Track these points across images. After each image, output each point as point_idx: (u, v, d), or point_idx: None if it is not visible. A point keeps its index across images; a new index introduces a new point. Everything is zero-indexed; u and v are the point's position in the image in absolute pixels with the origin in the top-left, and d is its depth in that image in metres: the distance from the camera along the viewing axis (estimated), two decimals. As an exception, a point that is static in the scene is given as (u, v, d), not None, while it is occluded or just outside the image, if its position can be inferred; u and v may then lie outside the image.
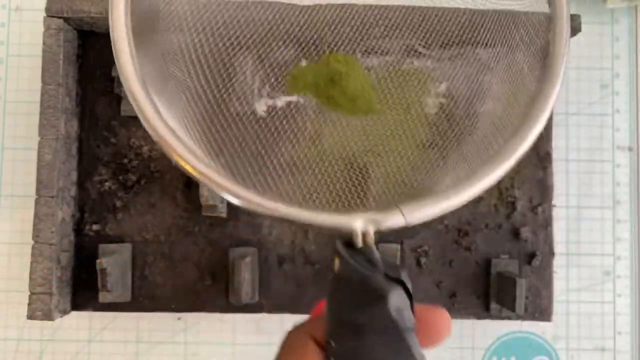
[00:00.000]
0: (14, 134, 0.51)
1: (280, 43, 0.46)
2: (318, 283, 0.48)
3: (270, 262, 0.48)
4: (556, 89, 0.34)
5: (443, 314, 0.29)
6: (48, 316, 0.43)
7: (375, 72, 0.43)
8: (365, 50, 0.47)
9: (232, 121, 0.38)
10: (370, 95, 0.41)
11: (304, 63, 0.43)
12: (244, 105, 0.43)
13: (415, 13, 0.44)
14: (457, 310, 0.48)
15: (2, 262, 0.50)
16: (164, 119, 0.30)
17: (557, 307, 0.49)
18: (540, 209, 0.49)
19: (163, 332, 0.50)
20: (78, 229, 0.48)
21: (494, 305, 0.48)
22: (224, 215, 0.47)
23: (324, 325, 0.28)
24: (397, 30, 0.46)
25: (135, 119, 0.48)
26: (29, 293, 0.44)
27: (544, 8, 0.35)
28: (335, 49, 0.45)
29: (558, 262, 0.50)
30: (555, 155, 0.49)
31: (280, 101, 0.44)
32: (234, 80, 0.42)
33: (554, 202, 0.49)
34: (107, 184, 0.48)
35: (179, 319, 0.50)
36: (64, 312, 0.46)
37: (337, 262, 0.28)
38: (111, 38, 0.31)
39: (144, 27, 0.33)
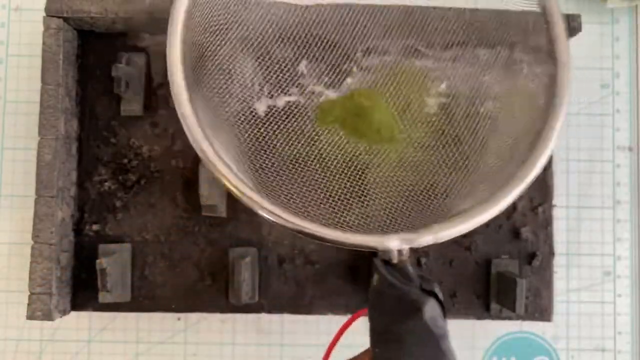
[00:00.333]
0: (14, 134, 0.51)
1: (281, 43, 0.46)
2: (318, 283, 0.48)
3: (270, 262, 0.48)
4: (564, 105, 0.36)
5: None
6: (48, 316, 0.43)
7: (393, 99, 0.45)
8: (366, 50, 0.47)
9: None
10: (392, 125, 0.44)
11: (304, 70, 0.44)
12: (246, 107, 0.43)
13: (416, 13, 0.44)
14: (457, 310, 0.48)
15: (2, 262, 0.50)
16: (221, 157, 0.33)
17: (557, 307, 0.49)
18: (540, 209, 0.49)
19: (163, 332, 0.50)
20: (78, 229, 0.48)
21: (494, 305, 0.48)
22: (224, 215, 0.47)
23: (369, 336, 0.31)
24: (398, 30, 0.46)
25: (135, 119, 0.48)
26: (29, 293, 0.44)
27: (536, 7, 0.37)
28: (335, 48, 0.46)
29: (558, 262, 0.50)
30: (555, 155, 0.49)
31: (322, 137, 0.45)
32: (237, 82, 0.43)
33: (554, 202, 0.49)
34: (107, 184, 0.48)
35: (179, 319, 0.50)
36: (64, 312, 0.46)
37: (375, 277, 0.32)
38: (171, 92, 0.34)
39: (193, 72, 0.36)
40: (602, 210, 0.51)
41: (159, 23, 0.44)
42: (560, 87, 0.36)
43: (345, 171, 0.42)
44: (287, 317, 0.50)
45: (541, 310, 0.48)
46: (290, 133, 0.43)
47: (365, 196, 0.41)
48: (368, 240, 0.33)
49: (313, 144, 0.43)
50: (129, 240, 0.48)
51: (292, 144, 0.42)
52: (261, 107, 0.44)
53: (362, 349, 0.33)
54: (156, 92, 0.48)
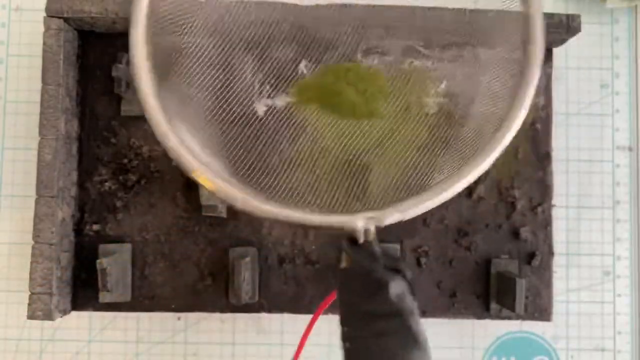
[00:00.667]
0: (14, 134, 0.51)
1: (281, 43, 0.46)
2: (318, 283, 0.48)
3: (270, 262, 0.48)
4: (534, 82, 0.35)
5: None
6: (48, 316, 0.43)
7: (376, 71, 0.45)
8: (366, 50, 0.47)
9: (236, 124, 0.40)
10: (369, 101, 0.44)
11: (305, 70, 0.45)
12: (247, 107, 0.43)
13: (416, 13, 0.45)
14: (457, 310, 0.48)
15: (2, 262, 0.50)
16: (184, 141, 0.33)
17: (557, 307, 0.49)
18: (540, 209, 0.49)
19: (163, 331, 0.50)
20: (78, 229, 0.48)
21: (493, 305, 0.48)
22: (224, 215, 0.47)
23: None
24: (398, 30, 0.46)
25: (135, 119, 0.48)
26: (29, 293, 0.44)
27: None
28: (335, 48, 0.46)
29: (558, 262, 0.50)
30: (555, 155, 0.49)
31: (281, 101, 0.45)
32: (235, 81, 0.43)
33: (553, 202, 0.49)
34: (107, 184, 0.48)
35: (179, 319, 0.50)
36: (64, 312, 0.46)
37: (343, 258, 0.32)
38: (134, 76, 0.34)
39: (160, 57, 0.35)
40: (601, 210, 0.52)
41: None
42: (529, 66, 0.36)
43: (314, 153, 0.42)
44: (287, 317, 0.50)
45: (541, 310, 0.48)
46: (260, 114, 0.43)
47: (333, 178, 0.41)
48: (334, 220, 0.33)
49: (283, 125, 0.43)
50: (129, 240, 0.48)
51: (261, 125, 0.43)
52: (260, 107, 0.44)
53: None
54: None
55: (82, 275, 0.47)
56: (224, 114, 0.41)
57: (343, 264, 0.32)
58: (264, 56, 0.45)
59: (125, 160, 0.48)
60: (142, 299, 0.48)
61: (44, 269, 0.44)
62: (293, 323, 0.50)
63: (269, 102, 0.45)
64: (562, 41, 0.48)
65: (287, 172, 0.40)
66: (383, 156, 0.42)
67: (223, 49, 0.42)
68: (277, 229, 0.48)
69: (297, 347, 0.37)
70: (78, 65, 0.48)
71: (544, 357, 0.51)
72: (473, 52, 0.45)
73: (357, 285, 0.31)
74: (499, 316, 0.48)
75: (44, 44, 0.45)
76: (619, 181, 0.52)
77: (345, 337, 0.31)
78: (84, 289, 0.47)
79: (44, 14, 0.45)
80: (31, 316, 0.43)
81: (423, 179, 0.38)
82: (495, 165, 0.49)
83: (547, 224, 0.49)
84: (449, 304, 0.48)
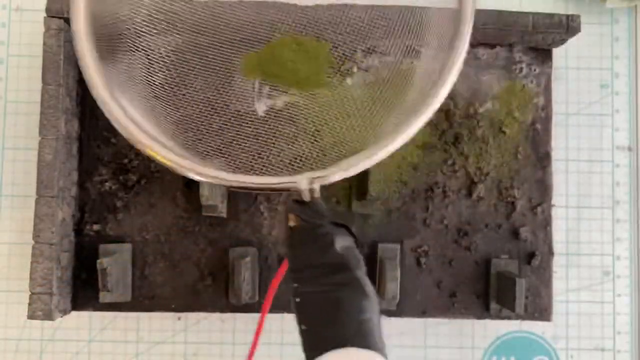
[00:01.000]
0: (15, 134, 0.51)
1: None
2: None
3: (270, 262, 0.48)
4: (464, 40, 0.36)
5: None
6: (48, 316, 0.43)
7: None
8: (366, 50, 0.47)
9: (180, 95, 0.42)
10: (312, 71, 0.46)
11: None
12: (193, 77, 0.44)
13: (416, 13, 0.44)
14: (457, 310, 0.48)
15: (2, 262, 0.50)
16: (130, 115, 0.35)
17: (557, 307, 0.50)
18: (539, 209, 0.49)
19: (163, 331, 0.50)
20: (78, 229, 0.48)
21: (493, 305, 0.48)
22: (224, 215, 0.47)
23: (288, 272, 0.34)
24: (398, 30, 0.46)
25: (135, 119, 0.48)
26: (30, 293, 0.44)
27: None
28: (335, 49, 0.47)
29: (558, 262, 0.50)
30: (555, 155, 0.49)
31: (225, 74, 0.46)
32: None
33: (553, 202, 0.49)
34: (107, 184, 0.48)
35: (179, 318, 0.50)
36: (64, 312, 0.46)
37: (291, 218, 0.34)
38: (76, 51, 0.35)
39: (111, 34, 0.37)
40: (601, 210, 0.52)
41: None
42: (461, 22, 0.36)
43: (263, 118, 0.44)
44: (287, 317, 0.50)
45: (541, 310, 0.48)
46: (204, 78, 0.44)
47: (276, 143, 0.43)
48: (279, 181, 0.34)
49: (226, 91, 0.44)
50: (130, 240, 0.48)
51: (204, 91, 0.44)
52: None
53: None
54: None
55: (82, 275, 0.47)
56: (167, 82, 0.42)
57: (290, 224, 0.34)
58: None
59: (126, 160, 0.48)
60: (142, 299, 0.48)
61: (44, 269, 0.44)
62: (293, 323, 0.50)
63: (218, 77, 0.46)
64: (562, 41, 0.48)
65: (229, 139, 0.42)
66: (326, 121, 0.44)
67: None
68: (277, 228, 0.48)
69: (260, 315, 0.38)
70: (78, 65, 0.48)
71: (543, 357, 0.51)
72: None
73: (305, 241, 0.33)
74: (498, 316, 0.48)
75: (44, 44, 0.45)
76: (619, 181, 0.52)
77: (296, 293, 0.32)
78: (84, 289, 0.47)
79: (44, 14, 0.45)
80: (31, 316, 0.43)
81: (364, 139, 0.40)
82: (495, 165, 0.49)
83: (546, 224, 0.49)
84: (449, 304, 0.48)
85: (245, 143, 0.42)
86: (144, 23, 0.40)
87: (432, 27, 0.40)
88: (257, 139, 0.43)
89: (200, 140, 0.40)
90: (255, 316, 0.49)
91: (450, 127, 0.49)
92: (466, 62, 0.37)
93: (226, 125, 0.42)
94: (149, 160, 0.48)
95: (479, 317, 0.48)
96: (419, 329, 0.50)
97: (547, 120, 0.49)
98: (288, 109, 0.45)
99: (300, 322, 0.32)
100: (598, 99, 0.52)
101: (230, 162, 0.39)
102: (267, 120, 0.44)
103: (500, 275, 0.48)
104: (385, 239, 0.48)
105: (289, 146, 0.43)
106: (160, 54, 0.42)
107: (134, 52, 0.40)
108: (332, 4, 0.45)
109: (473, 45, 0.45)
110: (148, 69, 0.41)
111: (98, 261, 0.44)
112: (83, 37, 0.35)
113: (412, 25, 0.42)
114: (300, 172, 0.35)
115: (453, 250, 0.49)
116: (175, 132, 0.39)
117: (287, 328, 0.50)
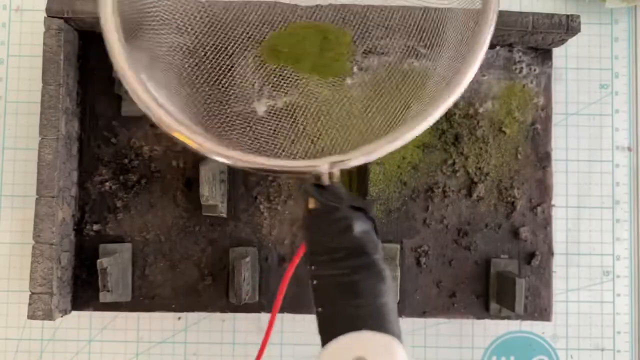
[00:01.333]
0: (15, 134, 0.51)
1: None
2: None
3: (270, 262, 0.48)
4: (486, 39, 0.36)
5: None
6: (49, 316, 0.44)
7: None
8: (367, 51, 0.47)
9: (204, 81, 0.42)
10: (334, 59, 0.46)
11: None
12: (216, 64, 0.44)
13: (416, 13, 0.45)
14: (457, 310, 0.48)
15: (2, 262, 0.50)
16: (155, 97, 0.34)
17: (557, 307, 0.50)
18: (539, 208, 0.49)
19: (163, 331, 0.50)
20: (78, 229, 0.48)
21: (493, 305, 0.48)
22: (224, 215, 0.47)
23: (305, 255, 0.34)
24: (398, 31, 0.46)
25: (136, 119, 0.48)
26: (30, 293, 0.44)
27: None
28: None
29: (557, 262, 0.50)
30: (555, 155, 0.49)
31: (248, 59, 0.46)
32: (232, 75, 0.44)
33: (553, 202, 0.49)
34: (107, 184, 0.48)
35: (179, 318, 0.50)
36: (65, 312, 0.46)
37: (310, 201, 0.33)
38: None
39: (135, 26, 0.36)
40: (601, 210, 0.52)
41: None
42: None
43: (281, 106, 0.44)
44: (287, 317, 0.50)
45: (540, 309, 0.48)
46: (227, 66, 0.44)
47: (298, 129, 0.43)
48: (300, 164, 0.34)
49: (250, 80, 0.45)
50: (130, 240, 0.48)
51: (230, 78, 0.44)
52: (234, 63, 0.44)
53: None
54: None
55: (82, 275, 0.47)
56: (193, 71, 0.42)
57: (309, 207, 0.34)
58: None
59: (126, 160, 0.48)
60: (142, 299, 0.48)
61: (44, 268, 0.44)
62: (293, 323, 0.50)
63: (239, 60, 0.46)
64: (562, 41, 0.48)
65: (251, 124, 0.42)
66: (348, 107, 0.44)
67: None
68: (278, 229, 0.48)
69: (275, 302, 0.38)
70: (78, 65, 0.48)
71: (543, 357, 0.51)
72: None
73: (324, 224, 0.33)
74: (498, 316, 0.48)
75: (45, 44, 0.45)
76: (619, 181, 0.52)
77: (314, 276, 0.32)
78: (84, 289, 0.47)
79: (45, 15, 0.45)
80: (31, 316, 0.44)
81: (387, 124, 0.40)
82: (495, 165, 0.49)
83: (546, 224, 0.49)
84: (449, 304, 0.48)
85: (265, 130, 0.42)
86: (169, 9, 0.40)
87: (452, 26, 0.40)
88: (279, 124, 0.43)
89: (223, 124, 0.40)
90: (255, 316, 0.49)
91: (450, 127, 0.49)
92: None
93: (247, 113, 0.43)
94: (149, 160, 0.48)
95: (479, 317, 0.48)
96: (419, 329, 0.50)
97: (547, 120, 0.49)
98: (309, 96, 0.45)
99: (316, 304, 0.32)
100: (598, 99, 0.52)
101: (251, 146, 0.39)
102: (289, 107, 0.44)
103: (500, 275, 0.48)
104: (385, 239, 0.48)
105: (312, 132, 0.43)
106: (187, 35, 0.42)
107: (159, 34, 0.40)
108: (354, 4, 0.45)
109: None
110: (174, 51, 0.41)
111: (98, 261, 0.44)
112: (110, 20, 0.34)
113: (429, 25, 0.42)
114: (321, 156, 0.34)
115: (453, 250, 0.49)
116: (200, 115, 0.40)
117: (287, 328, 0.50)
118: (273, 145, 0.40)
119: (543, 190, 0.49)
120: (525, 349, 0.51)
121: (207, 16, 0.43)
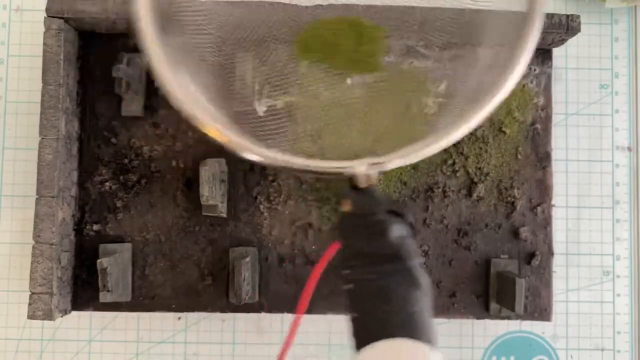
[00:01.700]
0: (15, 134, 0.51)
1: (280, 43, 0.46)
2: (318, 283, 0.48)
3: (270, 262, 0.48)
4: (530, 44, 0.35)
5: None
6: (49, 316, 0.44)
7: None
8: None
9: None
10: (368, 54, 0.46)
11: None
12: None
13: (416, 13, 0.45)
14: (457, 310, 0.48)
15: (2, 262, 0.50)
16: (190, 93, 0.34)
17: (557, 307, 0.50)
18: (539, 208, 0.49)
19: (163, 331, 0.50)
20: (78, 229, 0.48)
21: (493, 305, 0.48)
22: (224, 215, 0.47)
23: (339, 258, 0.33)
24: (397, 31, 0.46)
25: (135, 119, 0.48)
26: (30, 293, 0.44)
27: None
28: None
29: (557, 262, 0.50)
30: (555, 155, 0.49)
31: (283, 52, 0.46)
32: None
33: (553, 202, 0.49)
34: (107, 184, 0.48)
35: (179, 318, 0.50)
36: (65, 312, 0.46)
37: (346, 203, 0.33)
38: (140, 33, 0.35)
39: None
40: (601, 210, 0.52)
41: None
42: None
43: (315, 104, 0.44)
44: (287, 317, 0.50)
45: (540, 309, 0.48)
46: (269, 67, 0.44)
47: (336, 128, 0.43)
48: (337, 165, 0.34)
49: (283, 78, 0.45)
50: (130, 240, 0.48)
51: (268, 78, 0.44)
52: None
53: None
54: (157, 92, 0.49)
55: (82, 275, 0.47)
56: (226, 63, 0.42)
57: (345, 209, 0.33)
58: (264, 56, 0.46)
59: (126, 160, 0.48)
60: (142, 299, 0.48)
61: (44, 269, 0.44)
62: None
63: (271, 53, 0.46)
64: (562, 41, 0.48)
65: (286, 122, 0.42)
66: (385, 106, 0.44)
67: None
68: (277, 229, 0.48)
69: (298, 305, 0.37)
70: (78, 65, 0.48)
71: (543, 357, 0.51)
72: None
73: (359, 228, 0.32)
74: (498, 316, 0.48)
75: (45, 44, 0.45)
76: (619, 181, 0.52)
77: (348, 280, 0.32)
78: (84, 289, 0.47)
79: (45, 15, 0.45)
80: (31, 316, 0.44)
81: (425, 127, 0.40)
82: (495, 165, 0.49)
83: (546, 224, 0.49)
84: (449, 304, 0.48)
85: (299, 128, 0.42)
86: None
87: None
88: (313, 124, 0.43)
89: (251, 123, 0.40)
90: (255, 316, 0.49)
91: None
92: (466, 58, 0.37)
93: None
94: (149, 160, 0.48)
95: (479, 317, 0.48)
96: (419, 329, 0.50)
97: (547, 120, 0.49)
98: (344, 94, 0.45)
99: (351, 309, 0.32)
100: (598, 99, 0.52)
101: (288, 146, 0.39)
102: (324, 106, 0.45)
103: (500, 275, 0.48)
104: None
105: (348, 132, 0.43)
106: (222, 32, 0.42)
107: (194, 32, 0.40)
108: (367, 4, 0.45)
109: (474, 45, 0.46)
110: (207, 49, 0.41)
111: (98, 261, 0.44)
112: (146, 16, 0.34)
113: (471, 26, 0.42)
114: (358, 158, 0.34)
115: (453, 250, 0.49)
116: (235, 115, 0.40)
117: (287, 328, 0.50)
118: (306, 147, 0.40)
119: (543, 190, 0.49)
120: (525, 349, 0.51)
121: (233, 18, 0.43)
